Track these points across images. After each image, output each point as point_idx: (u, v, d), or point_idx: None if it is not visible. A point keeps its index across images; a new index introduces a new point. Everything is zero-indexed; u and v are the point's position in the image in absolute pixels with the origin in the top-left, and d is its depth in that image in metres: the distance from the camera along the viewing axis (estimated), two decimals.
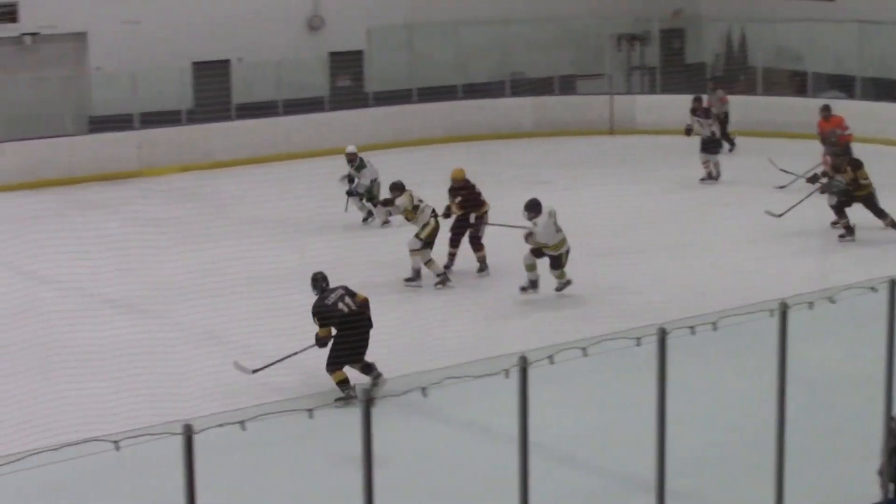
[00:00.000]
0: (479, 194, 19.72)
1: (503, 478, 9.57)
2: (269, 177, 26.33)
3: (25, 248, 17.98)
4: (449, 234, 19.59)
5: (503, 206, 19.60)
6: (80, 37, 29.71)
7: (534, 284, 17.88)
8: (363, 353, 14.58)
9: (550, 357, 8.91)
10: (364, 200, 23.16)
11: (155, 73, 29.13)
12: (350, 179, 23.28)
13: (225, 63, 30.92)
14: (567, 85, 34.11)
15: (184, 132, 29.16)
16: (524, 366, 8.64)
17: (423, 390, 8.72)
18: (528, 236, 17.67)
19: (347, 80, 32.88)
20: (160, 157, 27.97)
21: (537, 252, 17.80)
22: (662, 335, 9.19)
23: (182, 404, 13.20)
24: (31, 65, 28.83)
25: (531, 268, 17.83)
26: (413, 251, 18.87)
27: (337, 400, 14.08)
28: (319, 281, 14.88)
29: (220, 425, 8.28)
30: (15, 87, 27.86)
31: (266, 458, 12.02)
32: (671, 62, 35.05)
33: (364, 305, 14.66)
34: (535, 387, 8.72)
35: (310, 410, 8.48)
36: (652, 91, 34.07)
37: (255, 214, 22.05)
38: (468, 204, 19.49)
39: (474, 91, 33.17)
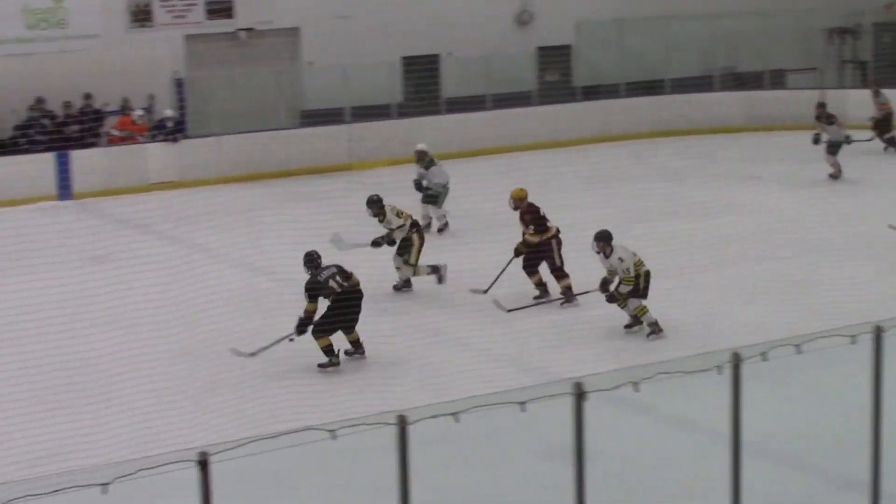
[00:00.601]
0: (544, 217, 17.91)
1: (713, 475, 9.52)
2: (477, 170, 26.46)
3: (242, 239, 18.36)
4: (522, 266, 17.88)
5: (712, 200, 19.33)
6: (294, 32, 30.25)
7: (655, 324, 16.10)
8: (353, 327, 15.31)
9: (763, 354, 8.84)
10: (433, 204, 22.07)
11: (365, 67, 29.53)
12: (418, 183, 22.30)
13: (434, 58, 31.19)
14: (778, 79, 33.65)
15: (393, 126, 29.49)
16: (737, 362, 8.60)
17: (635, 385, 8.73)
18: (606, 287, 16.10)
19: (555, 75, 32.93)
20: (370, 150, 28.32)
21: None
22: (878, 333, 9.04)
23: (394, 395, 13.38)
24: (246, 60, 29.43)
25: (623, 304, 16.14)
26: (399, 268, 18.25)
27: (321, 365, 14.99)
28: (315, 259, 15.42)
29: (434, 416, 8.39)
30: (231, 81, 28.48)
31: (477, 450, 12.09)
32: (883, 56, 34.34)
33: (356, 287, 15.40)
34: (747, 383, 8.65)
35: (522, 403, 8.54)
36: (864, 85, 33.40)
37: (463, 208, 22.15)
38: (540, 230, 17.73)
39: (682, 86, 32.87)
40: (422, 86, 30.68)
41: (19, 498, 8.37)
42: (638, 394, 8.71)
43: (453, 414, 8.43)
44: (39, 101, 26.65)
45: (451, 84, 31.10)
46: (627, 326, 16.20)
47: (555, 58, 32.76)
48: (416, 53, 30.91)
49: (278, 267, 17.77)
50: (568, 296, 17.54)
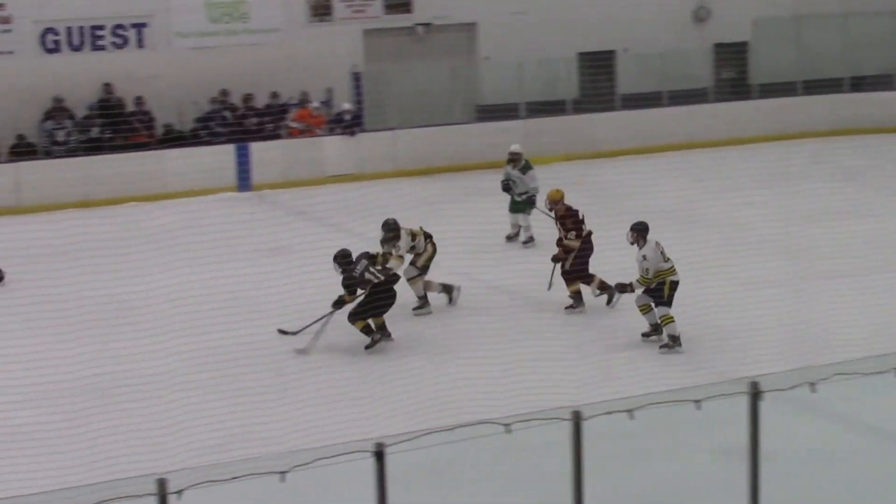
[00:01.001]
0: (582, 220, 17.45)
1: (891, 478, 9.37)
2: (652, 167, 26.34)
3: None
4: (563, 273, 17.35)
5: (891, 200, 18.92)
6: (470, 27, 30.39)
7: (657, 329, 15.73)
8: (385, 311, 15.72)
9: None
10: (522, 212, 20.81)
11: (541, 63, 29.57)
12: (506, 185, 21.07)
13: (610, 54, 31.09)
14: None
15: (568, 121, 29.47)
16: None
17: (812, 386, 8.63)
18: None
19: (731, 72, 32.60)
20: (545, 145, 28.31)
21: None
22: None
23: (563, 391, 13.38)
24: (423, 54, 29.65)
25: (646, 309, 15.75)
26: (411, 279, 17.43)
27: (368, 347, 15.48)
28: (347, 257, 15.90)
29: (608, 413, 8.40)
30: (407, 76, 28.69)
31: (651, 446, 12.03)
32: None
33: (391, 273, 15.86)
34: None
35: (697, 402, 8.51)
36: None
37: (641, 204, 22.04)
38: (579, 234, 17.28)
39: (862, 84, 32.31)
40: (597, 82, 30.61)
41: (199, 484, 8.54)
42: (815, 394, 8.60)
43: (628, 411, 8.43)
44: (224, 93, 27.14)
45: (626, 80, 30.96)
46: (645, 335, 15.79)
47: (731, 55, 32.42)
48: (592, 49, 30.84)
49: (452, 262, 17.88)
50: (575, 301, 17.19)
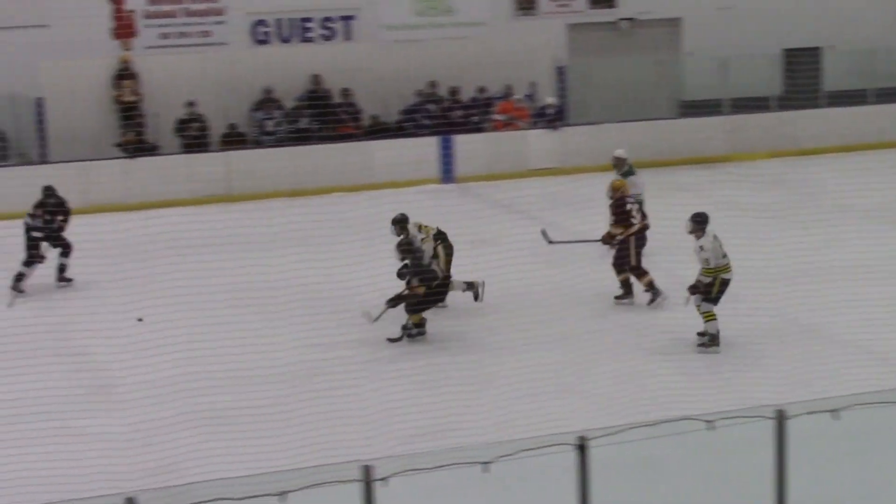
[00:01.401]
0: (627, 211, 17.48)
1: None
2: (857, 166, 25.86)
3: None
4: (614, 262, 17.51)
5: None
6: (675, 22, 30.18)
7: (714, 339, 15.30)
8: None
9: None
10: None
11: (746, 58, 29.22)
12: None
13: (816, 50, 30.60)
14: None
15: (772, 118, 29.07)
16: None
17: None
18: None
19: None
20: (749, 142, 27.99)
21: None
22: None
23: (763, 389, 13.25)
24: (627, 49, 29.54)
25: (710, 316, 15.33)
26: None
27: (393, 340, 15.71)
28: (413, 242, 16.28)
29: (811, 413, 8.31)
30: (611, 70, 28.61)
31: (858, 447, 11.77)
32: None
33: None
34: None
35: None
36: None
37: (844, 203, 21.69)
38: (622, 223, 17.40)
39: None
40: (802, 78, 30.13)
41: (403, 472, 8.66)
42: None
43: (832, 411, 8.33)
44: (432, 85, 27.39)
45: (832, 77, 30.42)
46: (701, 334, 15.44)
47: None
48: (798, 46, 30.39)
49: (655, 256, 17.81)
50: (653, 292, 17.12)
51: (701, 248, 15.13)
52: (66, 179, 24.22)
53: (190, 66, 26.35)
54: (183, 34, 26.72)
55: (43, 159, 25.02)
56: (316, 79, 26.99)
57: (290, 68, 26.93)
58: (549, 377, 14.44)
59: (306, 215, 21.29)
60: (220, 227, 21.02)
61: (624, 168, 20.17)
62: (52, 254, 18.93)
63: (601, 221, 17.98)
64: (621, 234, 17.38)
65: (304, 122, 26.60)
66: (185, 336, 14.97)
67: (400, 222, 17.09)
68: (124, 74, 26.02)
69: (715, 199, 21.77)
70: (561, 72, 28.74)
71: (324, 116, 26.48)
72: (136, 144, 25.60)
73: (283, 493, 8.43)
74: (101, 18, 26.03)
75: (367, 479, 8.36)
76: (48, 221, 18.93)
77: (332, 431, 12.85)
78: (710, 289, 15.13)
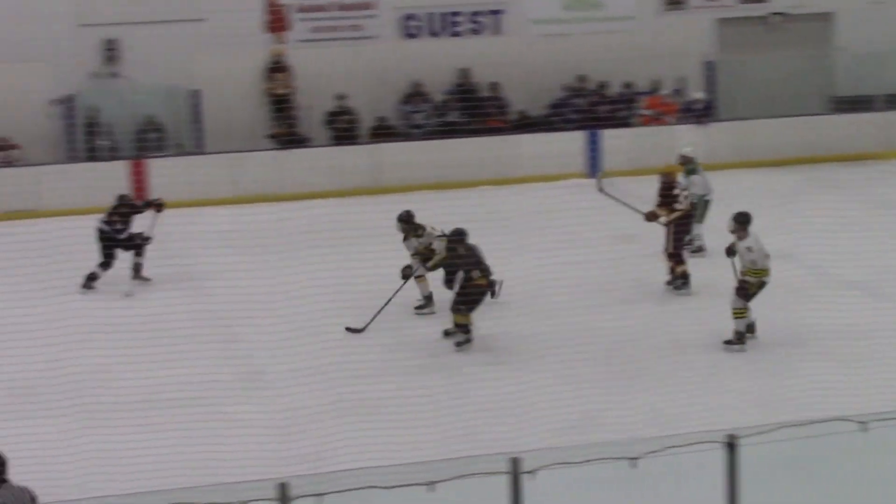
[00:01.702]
0: (674, 196, 17.83)
1: None
2: None
3: (771, 224, 18.24)
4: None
5: None
6: (826, 17, 29.70)
7: (741, 337, 15.20)
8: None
9: None
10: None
11: None
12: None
13: None
14: None
15: None
16: None
17: None
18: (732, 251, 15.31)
19: None
20: None
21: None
22: None
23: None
24: (777, 44, 29.14)
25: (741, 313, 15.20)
26: (419, 277, 17.15)
27: (459, 344, 15.29)
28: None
29: None
30: (760, 65, 28.26)
31: None
32: None
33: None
34: None
35: None
36: None
37: None
38: (665, 205, 17.79)
39: None
40: None
41: (551, 465, 8.69)
42: None
43: None
44: (581, 79, 27.35)
45: None
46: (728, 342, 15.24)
47: None
48: None
49: (806, 253, 17.61)
50: (676, 283, 17.30)
51: (749, 248, 15.05)
52: (220, 169, 24.77)
53: (341, 59, 26.53)
54: (334, 28, 26.95)
55: (198, 150, 25.42)
56: (464, 72, 27.08)
57: (438, 62, 27.04)
58: (697, 374, 14.39)
59: (455, 207, 21.37)
60: (367, 218, 21.25)
61: (689, 166, 20.00)
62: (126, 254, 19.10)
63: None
64: (665, 217, 17.61)
65: (452, 116, 26.69)
66: (333, 325, 15.15)
67: (405, 220, 17.34)
68: (277, 67, 26.33)
69: (867, 197, 21.50)
70: (709, 67, 28.47)
71: (472, 110, 26.54)
72: (288, 136, 25.89)
73: (431, 483, 8.51)
74: (255, 12, 26.34)
75: (515, 472, 8.41)
76: (122, 226, 19.13)
77: (479, 423, 12.93)
78: (747, 291, 15.07)
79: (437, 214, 19.30)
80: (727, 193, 20.14)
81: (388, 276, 16.93)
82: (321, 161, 25.25)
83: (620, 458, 8.67)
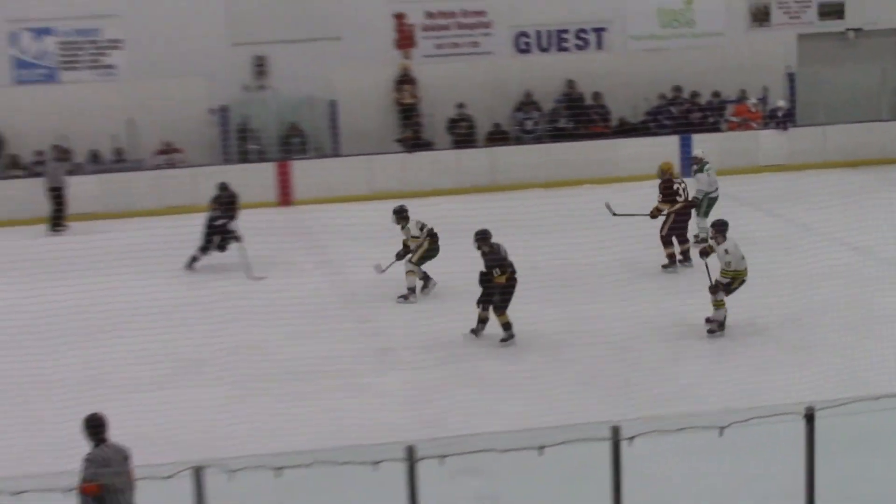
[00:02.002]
0: (675, 191, 18.19)
1: None
2: None
3: (842, 219, 18.06)
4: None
5: None
6: None
7: (721, 325, 15.03)
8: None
9: None
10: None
11: None
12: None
13: None
14: None
15: None
16: None
17: None
18: (705, 253, 15.29)
19: None
20: None
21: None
22: None
23: None
24: (853, 57, 28.71)
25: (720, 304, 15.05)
26: (408, 271, 17.10)
27: (502, 341, 14.68)
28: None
29: None
30: (838, 77, 27.86)
31: None
32: None
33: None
34: None
35: None
36: None
37: None
38: (666, 200, 18.18)
39: None
40: None
41: (648, 433, 8.68)
42: None
43: None
44: (676, 89, 27.21)
45: None
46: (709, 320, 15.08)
47: None
48: None
49: (878, 246, 17.37)
50: (672, 264, 17.93)
51: (726, 251, 15.09)
52: (354, 170, 24.97)
53: (461, 72, 26.65)
54: (455, 44, 27.03)
55: (336, 153, 25.64)
56: (570, 83, 27.04)
57: (547, 74, 27.03)
58: (779, 354, 14.29)
59: (563, 204, 21.36)
60: (483, 213, 21.25)
61: (698, 166, 20.01)
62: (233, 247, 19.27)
63: (824, 213, 17.67)
64: (667, 210, 18.02)
65: (560, 122, 26.67)
66: (455, 307, 15.25)
67: (399, 213, 17.65)
68: (404, 79, 26.48)
69: None
70: (791, 78, 28.16)
71: (577, 117, 26.50)
72: (414, 140, 26.03)
73: (541, 448, 8.54)
74: (386, 31, 26.53)
75: (616, 439, 8.41)
76: (224, 213, 19.33)
77: (578, 395, 12.94)
78: (728, 287, 15.04)
79: (545, 210, 19.37)
80: (805, 192, 19.94)
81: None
82: (443, 162, 25.38)
83: (710, 428, 8.64)
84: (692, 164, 20.37)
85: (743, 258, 15.22)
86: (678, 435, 8.70)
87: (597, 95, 26.95)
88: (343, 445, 10.96)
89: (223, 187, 19.88)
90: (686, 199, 18.38)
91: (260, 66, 25.94)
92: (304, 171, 24.43)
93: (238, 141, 25.42)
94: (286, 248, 19.66)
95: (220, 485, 8.02)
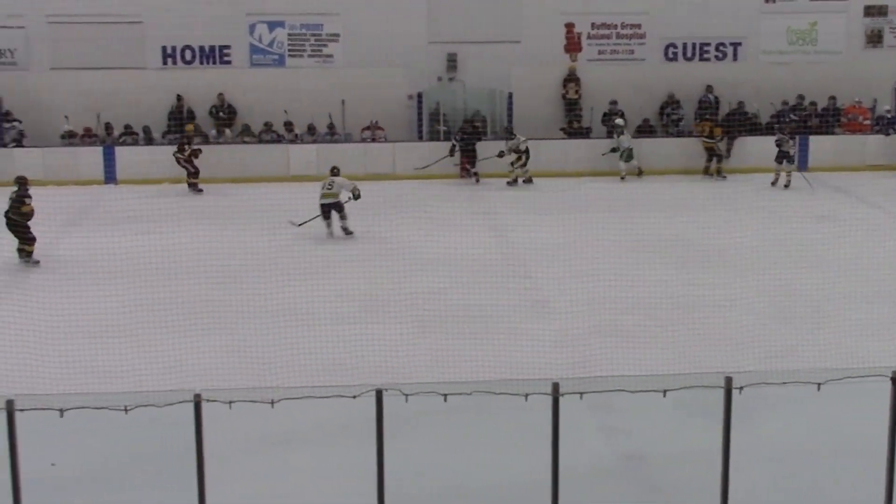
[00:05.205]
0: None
1: None
2: None
3: None
4: None
5: None
6: None
7: None
8: None
9: None
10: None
11: None
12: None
13: None
14: None
15: None
16: None
17: None
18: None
19: None
20: None
21: None
22: None
23: None
24: None
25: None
26: None
27: None
28: None
29: None
30: None
31: None
32: None
33: None
34: None
35: None
36: None
37: None
38: None
39: None
40: None
41: (757, 384, 8.49)
42: None
43: None
44: (800, 97, 26.46)
45: None
46: None
47: None
48: None
49: None
50: None
51: None
52: None
53: (616, 74, 26.34)
54: (614, 51, 26.68)
55: (509, 137, 25.58)
56: (709, 88, 26.48)
57: (689, 80, 26.52)
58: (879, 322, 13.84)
59: (695, 189, 21.12)
60: (631, 194, 21.08)
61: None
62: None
63: None
64: None
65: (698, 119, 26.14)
66: (600, 270, 15.10)
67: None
68: (570, 78, 26.27)
69: None
70: None
71: (714, 117, 25.98)
72: (574, 130, 25.82)
73: (665, 391, 8.43)
74: (558, 38, 26.34)
75: (728, 388, 8.25)
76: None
77: (703, 348, 12.74)
78: None
79: (681, 193, 19.01)
80: None
81: (641, 237, 16.86)
82: (598, 149, 25.09)
83: (808, 383, 8.41)
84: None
85: None
86: (783, 387, 8.49)
87: (740, 104, 26.17)
88: (500, 379, 10.95)
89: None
90: None
91: (452, 61, 26.00)
92: (484, 151, 24.41)
93: (430, 123, 25.54)
94: (462, 212, 19.74)
95: (398, 406, 8.08)
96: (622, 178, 24.07)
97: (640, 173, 24.29)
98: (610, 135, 25.00)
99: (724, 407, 8.19)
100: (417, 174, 23.64)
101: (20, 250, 16.91)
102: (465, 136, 23.92)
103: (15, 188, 17.32)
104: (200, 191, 22.97)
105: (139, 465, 9.67)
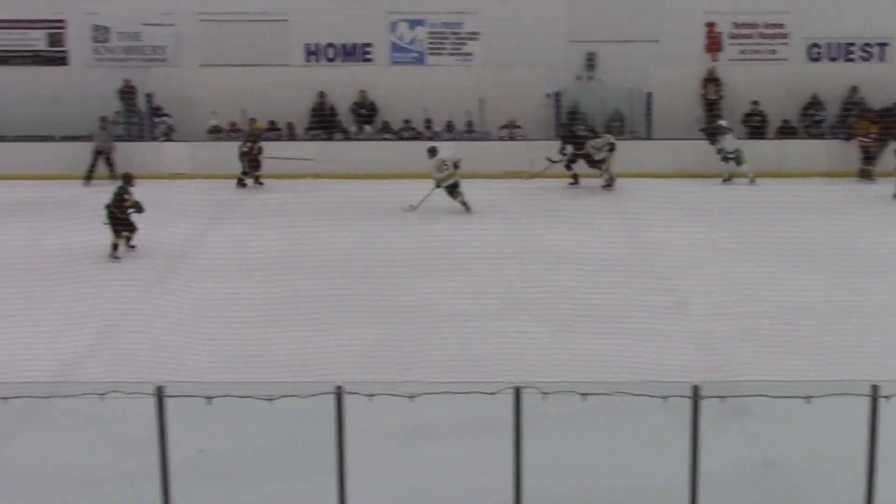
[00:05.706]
0: None
1: None
2: None
3: None
4: None
5: None
6: None
7: None
8: None
9: None
10: None
11: None
12: None
13: None
14: None
15: None
16: None
17: None
18: None
19: None
20: None
21: None
22: None
23: None
24: None
25: None
26: None
27: None
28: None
29: None
30: None
31: None
32: None
33: None
34: None
35: None
36: None
37: None
38: None
39: None
40: None
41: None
42: None
43: None
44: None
45: None
46: None
47: None
48: None
49: None
50: None
51: None
52: (661, 152, 24.59)
53: (759, 74, 25.78)
54: (757, 51, 26.14)
55: (648, 136, 25.30)
56: (854, 89, 25.73)
57: (832, 80, 25.80)
58: None
59: (839, 192, 20.63)
60: (770, 196, 20.67)
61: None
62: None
63: None
64: None
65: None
66: (738, 272, 14.79)
67: (431, 150, 20.49)
68: (710, 78, 25.82)
69: None
70: None
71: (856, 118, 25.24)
72: (712, 130, 25.36)
73: (808, 398, 8.26)
74: (698, 37, 25.93)
75: (875, 396, 8.06)
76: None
77: (847, 354, 12.41)
78: None
79: (824, 195, 18.57)
80: None
81: (782, 240, 16.53)
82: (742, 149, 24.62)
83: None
84: None
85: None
86: None
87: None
88: (638, 380, 10.83)
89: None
90: None
91: (590, 61, 25.84)
92: (623, 150, 24.18)
93: (568, 122, 25.42)
94: (596, 211, 19.63)
95: (536, 403, 8.08)
96: (725, 180, 23.45)
97: (752, 181, 23.36)
98: (712, 136, 24.39)
99: (870, 416, 7.99)
100: (547, 174, 23.44)
101: (114, 245, 17.19)
102: (570, 142, 23.52)
103: (119, 183, 17.92)
104: (261, 184, 23.08)
105: (281, 454, 9.87)
